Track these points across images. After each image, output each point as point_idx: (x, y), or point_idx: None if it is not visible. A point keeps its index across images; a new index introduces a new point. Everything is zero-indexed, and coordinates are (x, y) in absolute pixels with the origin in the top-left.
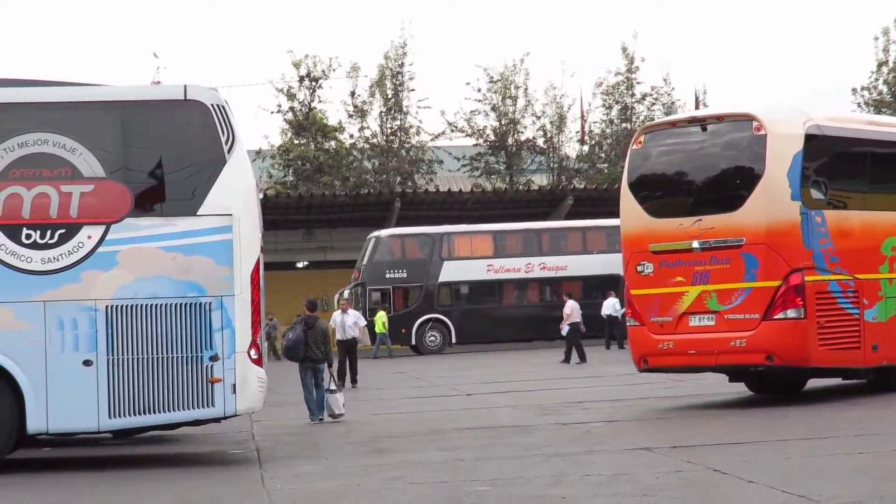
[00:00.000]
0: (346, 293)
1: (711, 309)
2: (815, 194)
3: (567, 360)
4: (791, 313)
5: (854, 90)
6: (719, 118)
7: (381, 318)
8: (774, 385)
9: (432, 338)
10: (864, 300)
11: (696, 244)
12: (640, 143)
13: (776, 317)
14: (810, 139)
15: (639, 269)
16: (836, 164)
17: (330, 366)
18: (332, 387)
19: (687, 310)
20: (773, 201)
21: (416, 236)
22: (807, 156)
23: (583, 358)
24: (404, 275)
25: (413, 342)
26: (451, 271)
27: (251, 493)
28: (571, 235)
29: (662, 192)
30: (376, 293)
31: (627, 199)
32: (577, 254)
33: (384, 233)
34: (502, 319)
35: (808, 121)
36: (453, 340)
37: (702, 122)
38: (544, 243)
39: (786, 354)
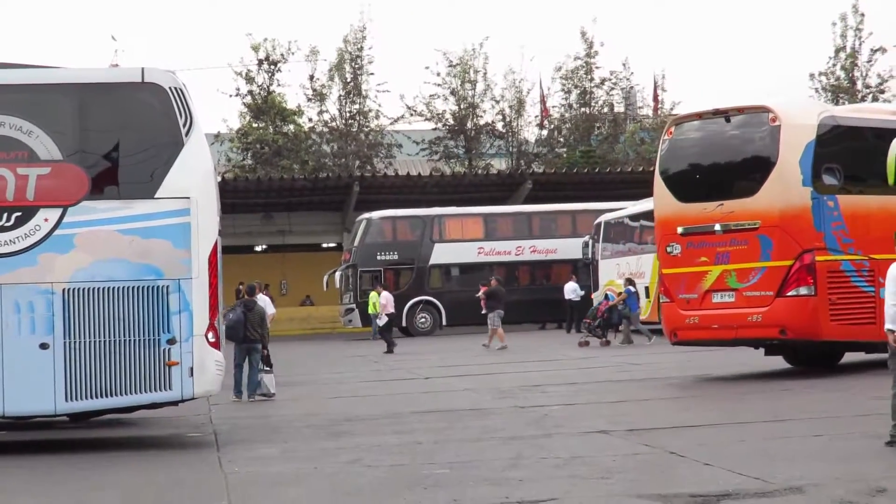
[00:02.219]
0: (338, 274)
1: (731, 287)
2: (829, 180)
3: (390, 350)
4: (802, 290)
5: (812, 75)
6: (740, 110)
7: (373, 298)
8: (813, 359)
9: (423, 320)
10: (879, 279)
11: (717, 227)
12: (670, 133)
13: (788, 294)
14: (824, 129)
15: (668, 249)
16: (851, 152)
17: (265, 347)
18: (266, 367)
19: (710, 287)
20: (786, 187)
21: (407, 218)
22: (820, 144)
23: (390, 348)
24: (395, 257)
25: (404, 324)
26: (442, 254)
27: (209, 477)
28: (561, 219)
29: (689, 179)
30: (367, 275)
31: (659, 186)
32: (567, 237)
33: (375, 214)
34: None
35: (822, 112)
36: (444, 323)
37: (725, 115)
38: (534, 226)
39: (797, 329)
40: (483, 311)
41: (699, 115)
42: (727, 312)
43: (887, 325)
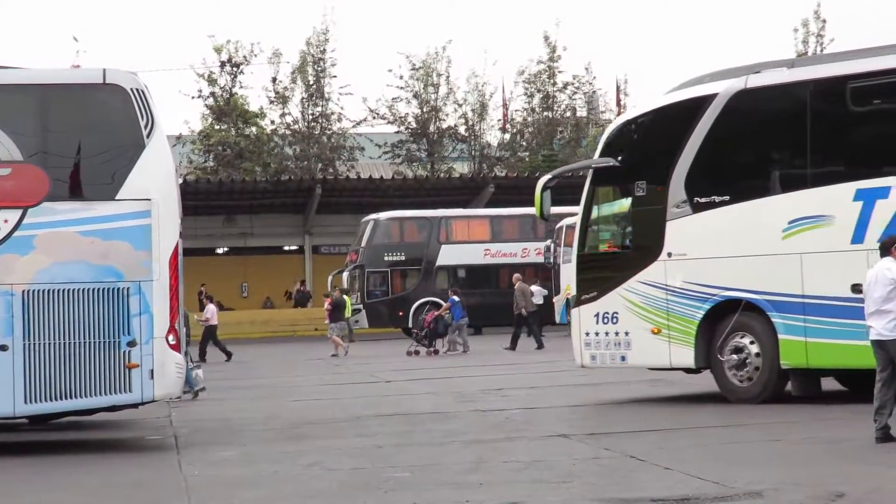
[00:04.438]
0: (345, 275)
1: None
2: None
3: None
4: None
5: None
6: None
7: (348, 301)
8: None
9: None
10: None
11: None
12: None
13: None
14: None
15: None
16: None
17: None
18: (194, 363)
19: None
20: None
21: (414, 219)
22: None
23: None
24: (402, 257)
25: (410, 325)
26: (449, 255)
27: (168, 479)
28: None
29: None
30: (375, 275)
31: None
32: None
33: (383, 216)
34: (498, 303)
35: None
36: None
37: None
38: (540, 229)
39: None
40: (327, 322)
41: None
42: None
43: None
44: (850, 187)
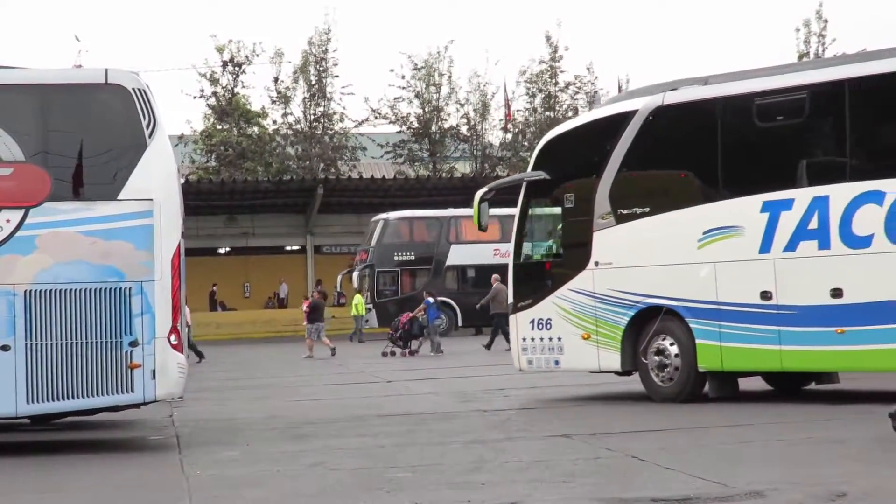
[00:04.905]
0: (355, 274)
1: None
2: None
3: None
4: None
5: None
6: None
7: (357, 300)
8: None
9: (439, 320)
10: None
11: None
12: None
13: None
14: None
15: None
16: None
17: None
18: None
19: None
20: None
21: (424, 219)
22: None
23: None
24: (412, 257)
25: None
26: (459, 254)
27: (170, 479)
28: None
29: None
30: (385, 275)
31: None
32: None
33: (393, 215)
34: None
35: None
36: (459, 323)
37: None
38: None
39: None
40: (305, 323)
41: None
42: None
43: None
44: (758, 199)
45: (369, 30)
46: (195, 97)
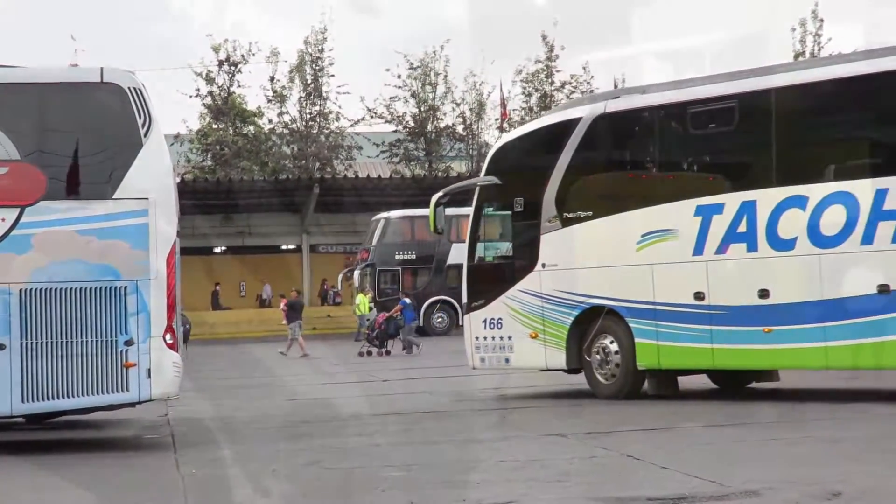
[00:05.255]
0: (356, 273)
1: None
2: None
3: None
4: None
5: None
6: None
7: (360, 300)
8: None
9: (440, 319)
10: None
11: None
12: None
13: None
14: None
15: None
16: None
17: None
18: None
19: None
20: None
21: (425, 218)
22: None
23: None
24: (413, 256)
25: (421, 323)
26: (460, 254)
27: (166, 478)
28: None
29: None
30: (386, 274)
31: None
32: None
33: (394, 214)
34: None
35: None
36: (460, 322)
37: None
38: None
39: None
40: (284, 322)
41: None
42: None
43: None
44: (692, 204)
45: (365, 29)
46: (191, 96)
